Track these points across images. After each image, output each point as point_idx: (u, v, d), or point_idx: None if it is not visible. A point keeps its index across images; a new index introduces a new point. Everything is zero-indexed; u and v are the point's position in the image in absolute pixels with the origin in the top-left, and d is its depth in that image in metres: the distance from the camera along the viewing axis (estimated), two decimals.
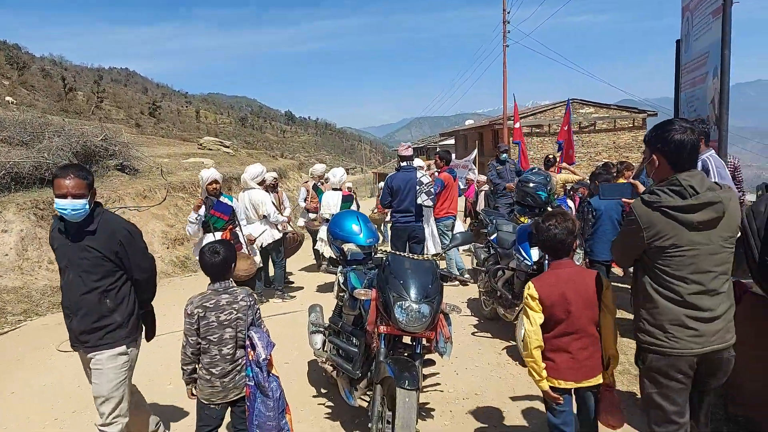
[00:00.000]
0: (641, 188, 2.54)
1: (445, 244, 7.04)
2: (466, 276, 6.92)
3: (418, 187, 6.37)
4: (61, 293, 2.85)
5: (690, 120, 4.08)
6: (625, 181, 2.78)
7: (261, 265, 7.04)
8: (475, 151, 11.19)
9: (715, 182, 2.21)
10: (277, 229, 6.98)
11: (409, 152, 6.64)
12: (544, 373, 2.44)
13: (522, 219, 5.83)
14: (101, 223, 2.75)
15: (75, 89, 41.47)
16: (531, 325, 2.47)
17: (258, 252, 6.69)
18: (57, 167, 2.80)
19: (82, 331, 2.76)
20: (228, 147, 29.37)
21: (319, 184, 8.70)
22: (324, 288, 7.78)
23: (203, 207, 5.88)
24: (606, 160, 12.74)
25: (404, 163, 6.55)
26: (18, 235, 8.36)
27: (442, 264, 7.03)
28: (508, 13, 21.54)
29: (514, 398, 3.80)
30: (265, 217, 6.75)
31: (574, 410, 2.52)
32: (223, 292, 2.74)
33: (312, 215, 8.29)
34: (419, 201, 6.38)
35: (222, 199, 6.01)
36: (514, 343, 4.57)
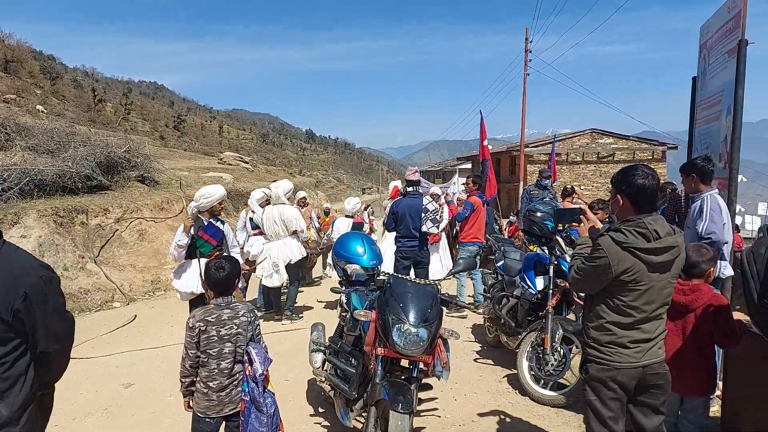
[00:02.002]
0: (590, 215, 2.72)
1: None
2: (472, 302, 6.93)
3: (423, 215, 6.30)
4: None
5: (699, 157, 4.09)
6: (576, 206, 2.98)
7: (284, 282, 6.97)
8: (455, 176, 11.30)
9: (673, 227, 2.41)
10: (305, 246, 7.01)
11: (416, 177, 6.54)
12: None
13: (531, 247, 5.82)
14: None
15: (104, 101, 42.67)
16: None
17: (283, 269, 6.73)
18: None
19: None
20: (247, 162, 29.87)
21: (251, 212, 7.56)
22: (332, 305, 7.81)
23: (192, 227, 4.92)
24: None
25: (411, 189, 6.45)
26: (36, 241, 8.57)
27: (452, 289, 7.01)
28: (531, 42, 21.70)
29: (509, 427, 3.76)
30: (295, 232, 6.76)
31: None
32: (226, 307, 2.79)
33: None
34: (424, 228, 6.31)
35: (214, 222, 5.11)
36: (515, 371, 4.52)
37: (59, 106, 29.89)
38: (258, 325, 2.89)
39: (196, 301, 4.80)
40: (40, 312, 1.81)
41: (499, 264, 5.61)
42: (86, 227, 9.71)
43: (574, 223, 2.88)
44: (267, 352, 2.85)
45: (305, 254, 7.03)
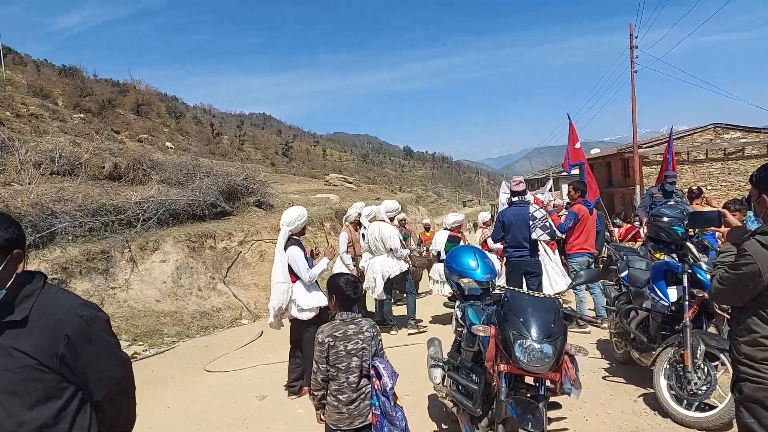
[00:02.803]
0: (730, 217, 2.47)
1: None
2: (594, 317, 6.55)
3: (531, 222, 6.22)
4: None
5: None
6: (714, 209, 2.69)
7: (384, 297, 7.28)
8: (550, 182, 10.97)
9: None
10: (404, 261, 7.20)
11: (521, 187, 6.56)
12: None
13: (657, 255, 5.40)
14: (36, 307, 1.56)
15: (221, 134, 46.72)
16: None
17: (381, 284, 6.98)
18: None
19: None
20: (351, 183, 30.98)
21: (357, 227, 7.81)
22: (438, 319, 7.80)
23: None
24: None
25: (516, 198, 6.50)
26: (174, 265, 9.55)
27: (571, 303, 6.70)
28: (636, 37, 20.36)
29: None
30: (391, 249, 7.00)
31: None
32: (350, 322, 2.89)
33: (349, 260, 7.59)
34: (534, 236, 6.23)
35: None
36: (651, 390, 4.18)
37: (184, 142, 33.17)
38: (380, 340, 2.96)
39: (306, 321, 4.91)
40: (85, 354, 1.59)
41: (623, 274, 5.26)
42: (214, 251, 10.64)
43: (710, 227, 2.65)
44: (392, 366, 2.92)
45: (405, 269, 7.18)
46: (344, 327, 2.87)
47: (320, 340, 2.87)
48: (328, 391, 2.91)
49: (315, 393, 2.94)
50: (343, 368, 2.83)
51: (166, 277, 9.31)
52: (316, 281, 5.02)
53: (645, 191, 9.14)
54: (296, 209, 5.17)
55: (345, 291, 2.94)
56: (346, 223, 7.94)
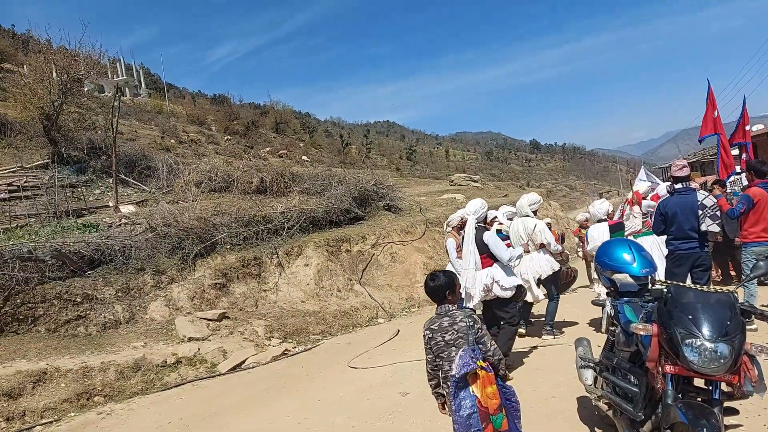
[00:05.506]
0: None
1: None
2: None
3: (701, 212, 5.58)
4: None
5: None
6: None
7: (541, 299, 6.78)
8: (642, 171, 9.67)
9: None
10: (556, 260, 6.71)
11: (684, 172, 5.86)
12: None
13: None
14: None
15: (349, 144, 49.07)
16: None
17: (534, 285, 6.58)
18: None
19: None
20: (476, 181, 30.56)
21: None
22: (596, 323, 7.33)
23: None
24: None
25: (679, 185, 5.85)
26: (316, 268, 10.20)
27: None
28: None
29: None
30: (542, 246, 6.56)
31: None
32: (445, 315, 2.99)
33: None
34: (704, 227, 5.55)
35: None
36: None
37: (317, 154, 35.33)
38: (479, 329, 2.95)
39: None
40: None
41: None
42: (350, 254, 11.17)
43: None
44: (486, 355, 2.88)
45: (557, 268, 6.64)
46: (439, 320, 3.00)
47: (423, 333, 3.05)
48: (443, 383, 2.98)
49: (429, 382, 3.10)
50: (445, 357, 2.94)
51: (309, 280, 9.99)
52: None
53: None
54: (478, 200, 5.81)
55: (426, 285, 3.09)
56: (449, 228, 7.61)
